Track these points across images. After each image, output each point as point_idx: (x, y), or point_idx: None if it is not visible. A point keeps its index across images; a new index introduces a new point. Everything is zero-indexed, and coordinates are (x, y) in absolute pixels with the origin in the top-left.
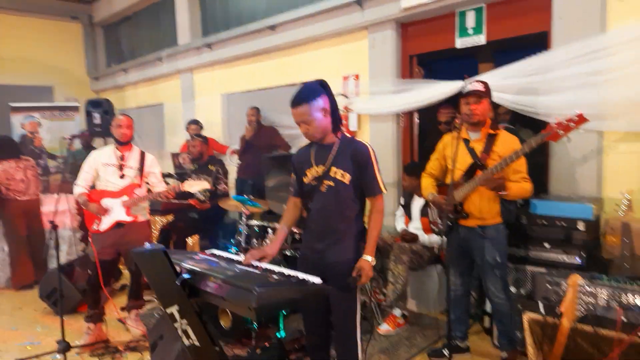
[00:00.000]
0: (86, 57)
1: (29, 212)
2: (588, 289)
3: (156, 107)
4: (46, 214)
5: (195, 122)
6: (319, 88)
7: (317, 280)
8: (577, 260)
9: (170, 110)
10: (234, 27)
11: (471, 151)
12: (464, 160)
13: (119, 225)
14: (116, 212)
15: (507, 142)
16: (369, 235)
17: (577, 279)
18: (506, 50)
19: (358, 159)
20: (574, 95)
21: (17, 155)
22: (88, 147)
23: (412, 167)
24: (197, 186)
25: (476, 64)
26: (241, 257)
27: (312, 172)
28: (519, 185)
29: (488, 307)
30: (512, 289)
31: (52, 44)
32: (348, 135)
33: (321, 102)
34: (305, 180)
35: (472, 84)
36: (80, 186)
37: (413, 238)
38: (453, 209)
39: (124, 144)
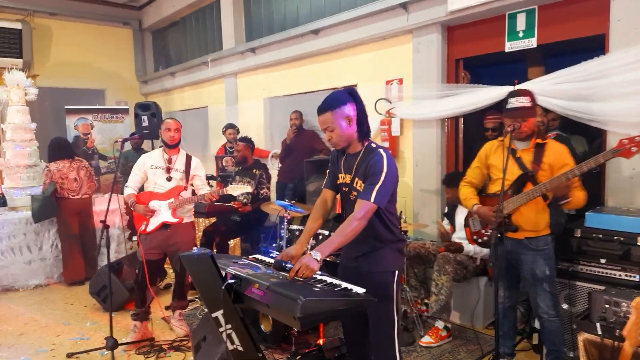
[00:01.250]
0: (135, 62)
1: (82, 211)
2: None
3: (201, 110)
4: (97, 213)
5: (232, 126)
6: (346, 96)
7: (361, 290)
8: (636, 278)
9: (214, 113)
10: (278, 32)
11: (518, 161)
12: (511, 171)
13: (164, 226)
14: (163, 213)
15: (556, 152)
16: (335, 235)
17: None
18: (557, 54)
19: (371, 169)
20: (632, 102)
21: (71, 156)
22: (138, 149)
23: (453, 179)
24: (240, 190)
25: (525, 68)
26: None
27: (342, 179)
28: (579, 194)
29: (537, 323)
30: (564, 306)
31: (104, 48)
32: (373, 144)
33: (346, 110)
34: (339, 182)
35: (517, 100)
36: (130, 187)
37: (458, 248)
38: (502, 221)
39: (172, 147)
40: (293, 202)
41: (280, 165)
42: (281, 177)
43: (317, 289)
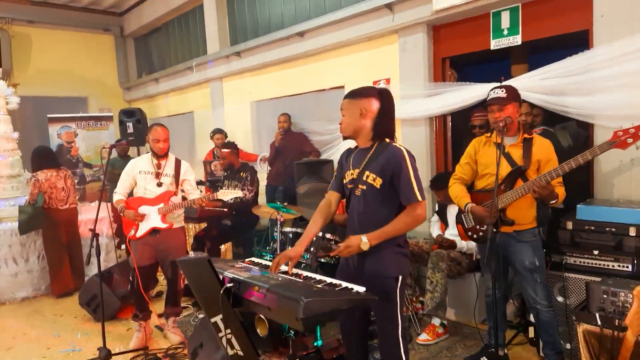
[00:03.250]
0: (118, 68)
1: (69, 221)
2: None
3: (187, 116)
4: (84, 222)
5: (220, 131)
6: (372, 92)
7: (361, 289)
8: (629, 268)
9: (200, 118)
10: (263, 35)
11: (507, 156)
12: (502, 166)
13: (154, 232)
14: (152, 219)
15: (543, 147)
16: (386, 227)
17: None
18: (542, 51)
19: (391, 163)
20: (618, 95)
21: (57, 165)
22: (124, 156)
23: (440, 181)
24: (230, 194)
25: (509, 65)
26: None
27: (349, 175)
28: (562, 192)
29: (533, 317)
30: (559, 299)
31: (85, 56)
32: (389, 141)
33: (365, 103)
34: (345, 181)
35: (493, 91)
36: (119, 194)
37: (451, 245)
38: (498, 217)
39: (162, 156)
40: (285, 204)
41: (269, 168)
42: (271, 180)
43: (318, 289)
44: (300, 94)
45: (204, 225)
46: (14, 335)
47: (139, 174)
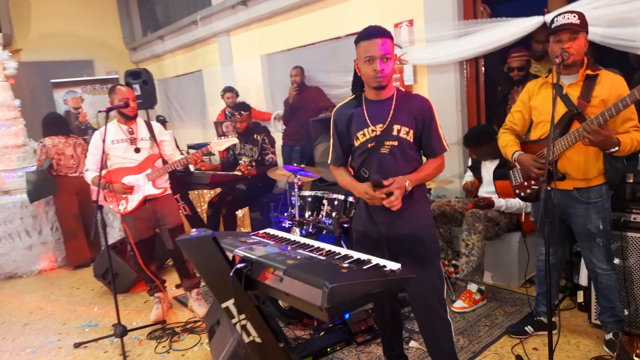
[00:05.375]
0: (123, 28)
1: (81, 189)
2: None
3: (195, 75)
4: (96, 191)
5: (231, 90)
6: None
7: (395, 266)
8: None
9: (209, 76)
10: None
11: (565, 98)
12: (557, 110)
13: (147, 200)
14: (142, 187)
15: (611, 85)
16: (420, 171)
17: None
18: None
19: (424, 114)
20: None
21: (67, 133)
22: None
23: (474, 138)
24: (225, 143)
25: (545, 1)
26: (296, 235)
27: (368, 133)
28: (632, 137)
29: (582, 279)
30: (616, 261)
31: (88, 16)
32: (402, 88)
33: (393, 47)
34: (357, 143)
35: (563, 16)
36: (92, 170)
37: (488, 204)
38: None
39: (132, 118)
40: (302, 166)
41: (284, 127)
42: (286, 140)
43: (345, 270)
44: (314, 43)
45: (218, 190)
46: (30, 311)
47: (110, 144)
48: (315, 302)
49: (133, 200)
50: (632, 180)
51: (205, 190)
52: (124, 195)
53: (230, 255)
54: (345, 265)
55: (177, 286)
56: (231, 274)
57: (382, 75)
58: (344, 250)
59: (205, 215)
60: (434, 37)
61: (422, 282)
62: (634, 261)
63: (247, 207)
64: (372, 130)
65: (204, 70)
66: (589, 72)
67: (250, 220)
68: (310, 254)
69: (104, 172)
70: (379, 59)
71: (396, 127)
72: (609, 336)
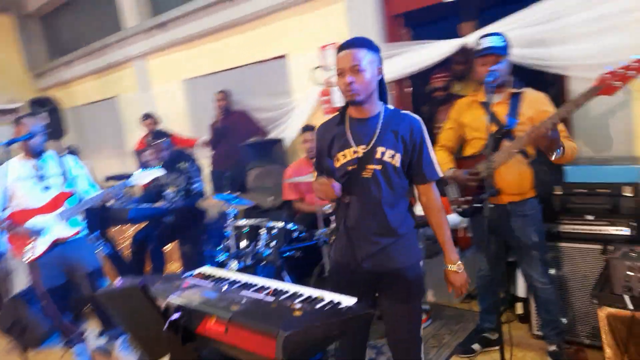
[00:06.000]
0: (24, 53)
1: None
2: None
3: (110, 101)
4: None
5: (149, 116)
6: (377, 46)
7: (350, 301)
8: (627, 231)
9: (126, 103)
10: (189, 2)
11: (492, 116)
12: (487, 128)
13: (56, 244)
14: (53, 229)
15: (536, 102)
16: (444, 235)
17: None
18: (491, 6)
19: (414, 136)
20: (590, 43)
21: None
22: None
23: None
24: (149, 176)
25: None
26: (234, 270)
27: (349, 154)
28: (569, 143)
29: (520, 291)
30: (551, 271)
31: None
32: (391, 106)
33: (377, 58)
34: (338, 164)
35: (488, 39)
36: None
37: (425, 222)
38: (481, 184)
39: (39, 152)
40: (237, 193)
41: (212, 151)
42: (215, 165)
43: (299, 313)
44: (239, 67)
45: (143, 225)
46: None
47: (16, 181)
48: (268, 354)
49: (42, 244)
50: (560, 192)
51: (127, 225)
52: (29, 240)
53: (162, 304)
54: (298, 306)
55: (100, 334)
56: (165, 327)
57: (351, 89)
58: (292, 287)
59: (129, 252)
60: None
61: (398, 321)
62: (568, 270)
63: (177, 241)
64: (354, 152)
65: (120, 96)
66: (513, 90)
67: (180, 255)
68: (256, 294)
69: (7, 213)
70: (348, 72)
71: (380, 149)
72: (553, 347)
